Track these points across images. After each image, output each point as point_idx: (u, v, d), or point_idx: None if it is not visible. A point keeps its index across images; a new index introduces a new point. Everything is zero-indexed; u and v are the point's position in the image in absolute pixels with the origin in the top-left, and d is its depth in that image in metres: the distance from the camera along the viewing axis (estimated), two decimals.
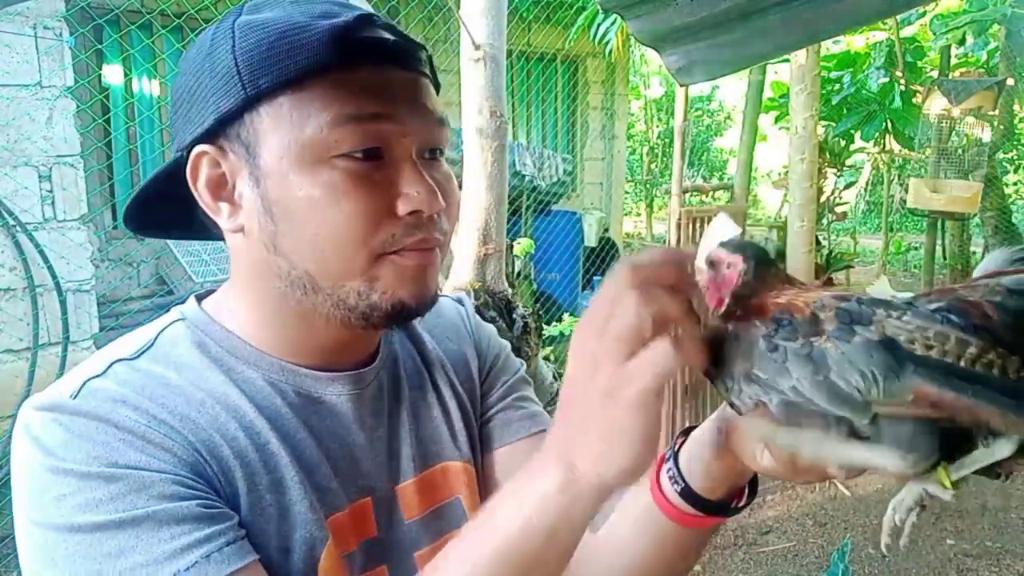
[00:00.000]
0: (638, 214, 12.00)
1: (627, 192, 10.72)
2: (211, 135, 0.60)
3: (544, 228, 5.80)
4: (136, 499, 0.53)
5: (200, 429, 0.59)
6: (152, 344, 0.63)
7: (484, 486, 0.78)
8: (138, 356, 0.62)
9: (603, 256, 6.69)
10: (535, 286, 5.42)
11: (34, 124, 3.09)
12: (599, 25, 4.83)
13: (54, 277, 3.16)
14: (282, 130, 0.58)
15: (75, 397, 0.57)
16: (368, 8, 0.63)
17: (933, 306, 0.47)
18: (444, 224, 0.63)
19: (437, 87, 0.66)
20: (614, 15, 2.56)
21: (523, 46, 6.36)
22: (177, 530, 0.53)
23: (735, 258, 0.53)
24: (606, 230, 6.86)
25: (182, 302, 0.69)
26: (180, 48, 4.56)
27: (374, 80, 0.59)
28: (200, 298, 0.69)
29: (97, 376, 0.59)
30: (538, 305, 5.11)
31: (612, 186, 7.53)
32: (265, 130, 0.59)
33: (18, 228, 3.06)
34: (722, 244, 0.54)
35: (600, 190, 7.52)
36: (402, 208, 0.60)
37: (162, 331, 0.65)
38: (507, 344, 0.87)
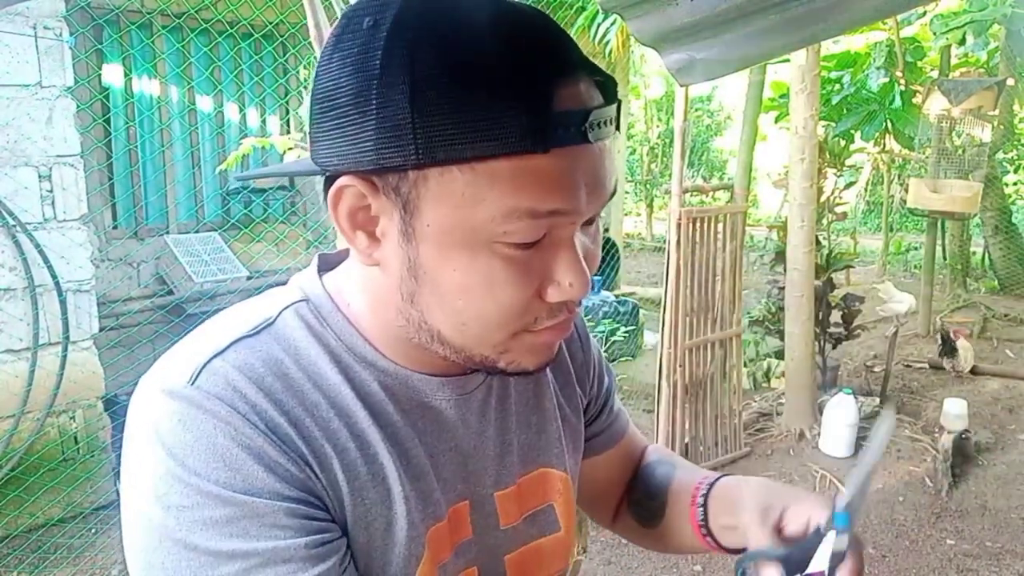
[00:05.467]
0: (638, 214, 11.99)
1: (627, 192, 10.72)
2: (365, 171, 0.55)
3: None
4: (248, 525, 0.54)
5: (312, 438, 0.58)
6: (273, 322, 0.62)
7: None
8: (258, 332, 0.61)
9: (603, 256, 6.67)
10: None
11: (34, 124, 3.09)
12: (599, 25, 4.83)
13: (54, 277, 3.16)
14: (449, 205, 0.53)
15: (194, 381, 0.56)
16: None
17: None
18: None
19: (619, 125, 0.59)
20: (614, 15, 2.56)
21: None
22: (283, 569, 0.54)
23: None
24: (606, 230, 6.86)
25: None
26: (180, 48, 4.56)
27: (560, 168, 0.52)
28: (321, 267, 0.67)
29: (218, 354, 0.58)
30: None
31: None
32: (429, 197, 0.53)
33: (18, 228, 3.06)
34: None
35: None
36: (552, 296, 0.57)
37: (284, 309, 0.63)
38: (596, 342, 0.88)
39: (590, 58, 0.56)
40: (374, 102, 0.51)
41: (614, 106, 0.56)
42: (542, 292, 0.57)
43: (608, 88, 0.56)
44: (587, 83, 0.54)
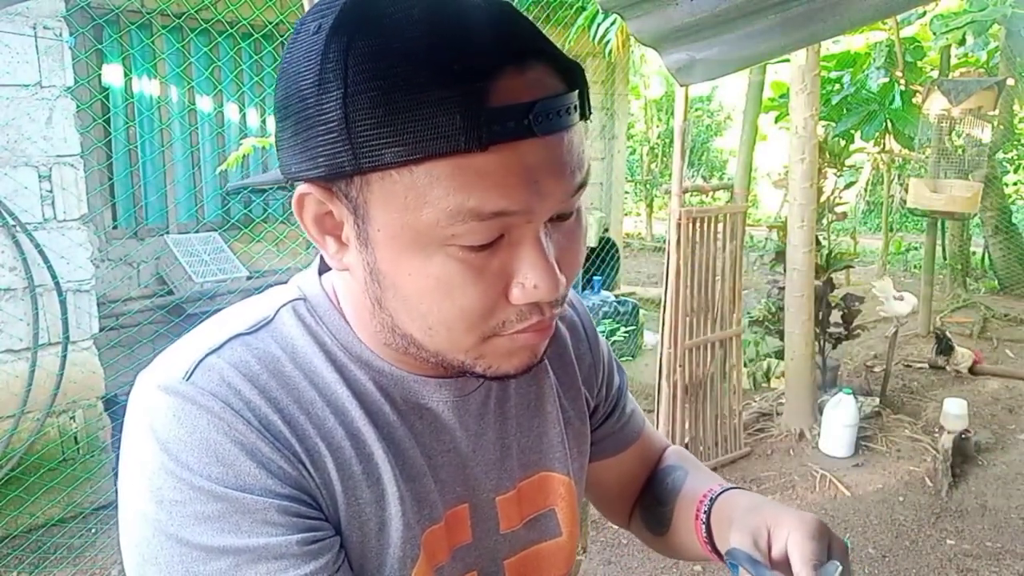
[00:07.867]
0: (638, 214, 11.99)
1: (627, 192, 10.71)
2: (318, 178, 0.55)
3: None
4: (240, 521, 0.54)
5: (306, 436, 0.58)
6: (271, 320, 0.62)
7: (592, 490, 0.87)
8: (256, 330, 0.61)
9: (603, 256, 6.68)
10: None
11: (34, 124, 3.08)
12: (599, 25, 4.82)
13: (54, 277, 3.16)
14: (393, 208, 0.51)
15: (190, 377, 0.56)
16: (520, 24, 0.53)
17: None
18: (564, 291, 0.57)
19: (587, 112, 0.56)
20: (614, 15, 2.56)
21: None
22: (275, 566, 0.54)
23: None
24: (606, 230, 6.86)
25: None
26: (180, 48, 4.56)
27: (504, 165, 0.49)
28: (322, 267, 0.67)
29: (213, 351, 0.58)
30: None
31: (612, 186, 7.53)
32: (374, 201, 0.52)
33: (18, 228, 3.06)
34: None
35: (600, 190, 7.52)
36: (518, 298, 0.54)
37: (282, 307, 0.63)
38: (606, 343, 0.87)
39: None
40: (314, 108, 0.50)
41: (573, 93, 0.53)
42: (508, 294, 0.55)
43: (573, 75, 0.53)
44: (538, 72, 0.51)
